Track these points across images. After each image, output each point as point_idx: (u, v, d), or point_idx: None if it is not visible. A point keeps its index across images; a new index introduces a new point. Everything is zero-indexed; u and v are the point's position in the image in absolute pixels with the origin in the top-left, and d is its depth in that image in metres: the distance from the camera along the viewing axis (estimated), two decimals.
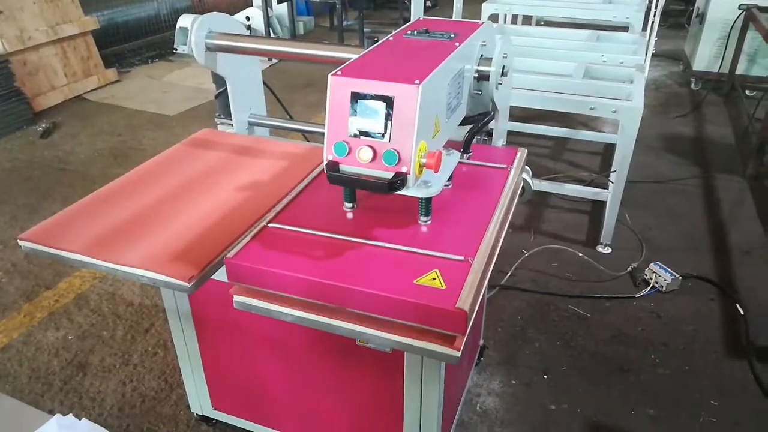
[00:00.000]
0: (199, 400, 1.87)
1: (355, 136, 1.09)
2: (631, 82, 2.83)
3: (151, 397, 2.09)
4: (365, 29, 6.65)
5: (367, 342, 1.13)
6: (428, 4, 8.08)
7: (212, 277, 1.27)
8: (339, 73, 1.10)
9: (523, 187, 1.56)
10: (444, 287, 1.04)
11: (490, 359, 2.22)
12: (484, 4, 4.17)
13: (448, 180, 1.35)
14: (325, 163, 1.12)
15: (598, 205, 3.18)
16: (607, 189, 2.97)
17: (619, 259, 2.77)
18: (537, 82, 2.75)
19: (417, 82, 1.04)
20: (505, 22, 4.31)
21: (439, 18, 1.51)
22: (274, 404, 1.74)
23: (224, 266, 1.26)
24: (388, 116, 1.06)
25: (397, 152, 1.06)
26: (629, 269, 2.68)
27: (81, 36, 5.02)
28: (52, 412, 2.02)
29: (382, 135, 1.07)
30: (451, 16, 3.71)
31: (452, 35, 1.32)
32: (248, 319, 1.18)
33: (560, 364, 2.21)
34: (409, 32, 1.35)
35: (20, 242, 1.32)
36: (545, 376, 2.16)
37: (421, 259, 1.12)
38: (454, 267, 1.10)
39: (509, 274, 2.62)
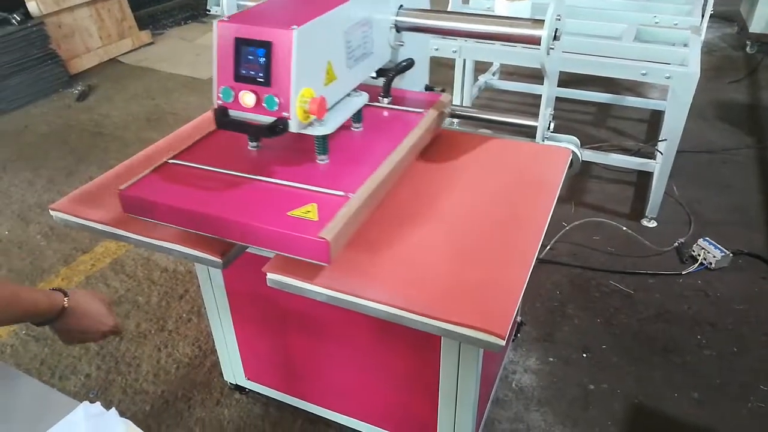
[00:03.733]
0: (233, 370, 1.86)
1: (240, 81, 1.11)
2: (686, 45, 2.65)
3: (186, 363, 2.11)
4: None
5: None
6: None
7: (247, 250, 1.23)
8: (226, 18, 1.13)
9: (571, 159, 1.46)
10: (316, 219, 1.07)
11: (527, 335, 2.16)
12: None
13: (359, 122, 1.37)
14: (214, 107, 1.15)
15: (644, 176, 3.03)
16: (655, 159, 2.83)
17: (666, 233, 2.64)
18: (583, 44, 2.59)
19: (294, 27, 1.05)
20: None
21: None
22: (308, 377, 1.72)
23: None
24: (269, 61, 1.08)
25: (278, 97, 1.08)
26: (676, 244, 2.56)
27: None
28: (89, 377, 2.06)
29: (264, 80, 1.09)
30: None
31: None
32: (282, 292, 1.14)
33: (600, 342, 2.13)
34: None
35: (52, 212, 1.30)
36: (584, 355, 2.09)
37: (304, 194, 1.14)
38: (332, 202, 1.12)
39: (548, 247, 2.53)
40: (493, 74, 4.07)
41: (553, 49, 1.31)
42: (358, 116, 1.35)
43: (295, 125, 1.10)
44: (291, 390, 1.80)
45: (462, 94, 3.49)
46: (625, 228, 2.61)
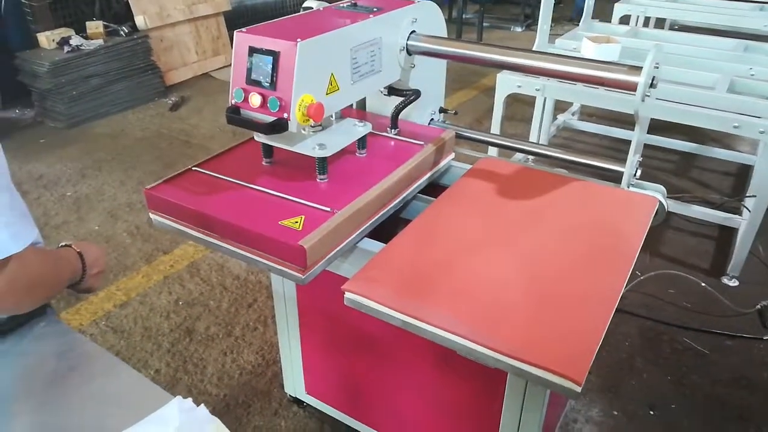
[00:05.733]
0: (294, 383, 1.91)
1: (250, 84, 1.25)
2: None
3: (249, 371, 2.17)
4: (484, 24, 6.50)
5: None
6: None
7: (325, 269, 1.27)
8: (244, 30, 1.27)
9: (657, 209, 1.43)
10: (300, 229, 1.18)
11: (590, 384, 2.09)
12: (616, 5, 3.92)
13: (363, 149, 1.48)
14: (229, 105, 1.29)
15: (727, 232, 2.90)
16: (741, 215, 2.71)
17: (748, 294, 2.51)
18: (674, 92, 2.53)
19: (299, 40, 1.18)
20: (636, 25, 4.03)
21: None
22: (367, 399, 1.74)
23: (338, 259, 1.27)
24: (275, 68, 1.21)
25: (280, 100, 1.20)
26: (758, 307, 2.42)
27: (214, 16, 5.30)
28: (158, 372, 2.16)
29: (270, 84, 1.22)
30: (580, 15, 3.52)
31: (375, 9, 1.44)
32: (353, 313, 1.17)
33: (669, 401, 2.04)
34: (342, 5, 1.51)
35: (151, 215, 1.39)
36: (651, 412, 2.00)
37: (297, 207, 1.27)
38: (319, 215, 1.23)
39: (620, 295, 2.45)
40: (573, 114, 4.03)
41: (648, 96, 1.30)
42: (362, 144, 1.47)
43: (294, 126, 1.23)
44: (348, 409, 1.82)
45: (539, 132, 3.47)
46: (703, 284, 2.50)
